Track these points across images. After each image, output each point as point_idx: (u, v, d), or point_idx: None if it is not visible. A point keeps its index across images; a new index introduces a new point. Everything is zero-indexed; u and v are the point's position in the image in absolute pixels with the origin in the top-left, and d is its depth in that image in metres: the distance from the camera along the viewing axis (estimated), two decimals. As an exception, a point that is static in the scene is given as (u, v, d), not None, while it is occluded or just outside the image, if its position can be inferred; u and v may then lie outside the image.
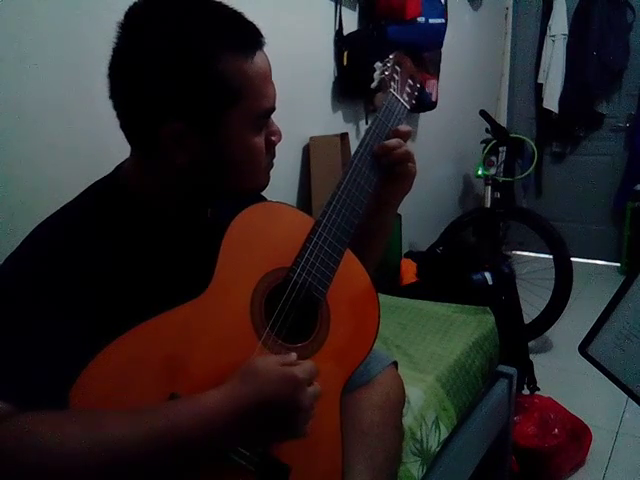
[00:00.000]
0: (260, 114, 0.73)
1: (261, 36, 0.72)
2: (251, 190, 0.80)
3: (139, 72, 0.68)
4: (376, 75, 0.96)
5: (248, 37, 0.71)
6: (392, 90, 0.94)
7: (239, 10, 0.73)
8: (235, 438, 0.63)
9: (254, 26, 0.72)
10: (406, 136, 0.91)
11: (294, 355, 0.69)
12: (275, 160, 0.83)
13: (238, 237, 0.75)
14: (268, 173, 0.81)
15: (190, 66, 0.67)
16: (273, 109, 0.75)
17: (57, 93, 1.21)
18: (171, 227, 0.77)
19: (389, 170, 0.90)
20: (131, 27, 0.68)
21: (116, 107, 0.72)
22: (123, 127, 0.73)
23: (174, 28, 0.67)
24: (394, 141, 0.88)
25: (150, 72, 0.67)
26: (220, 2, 0.71)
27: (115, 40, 0.69)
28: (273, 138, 0.78)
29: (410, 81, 0.99)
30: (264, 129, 0.76)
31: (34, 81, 1.17)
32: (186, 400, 0.61)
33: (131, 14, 0.68)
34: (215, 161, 0.73)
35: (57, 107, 1.22)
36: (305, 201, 2.09)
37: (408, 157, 0.89)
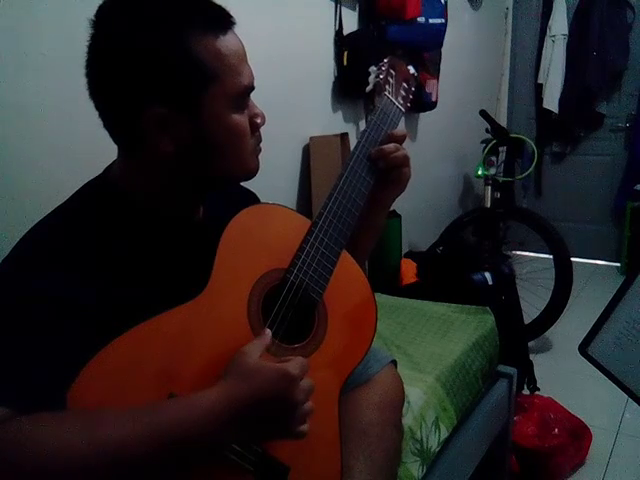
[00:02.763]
0: (239, 92, 0.73)
1: (230, 16, 0.73)
2: (241, 176, 0.80)
3: (113, 63, 0.68)
4: (371, 79, 0.97)
5: (217, 17, 0.71)
6: (387, 93, 0.95)
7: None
8: (232, 436, 0.63)
9: (222, 8, 0.73)
10: (401, 140, 0.92)
11: (268, 333, 0.69)
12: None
13: (235, 239, 0.75)
14: (256, 157, 0.80)
15: (161, 50, 0.67)
16: (252, 88, 0.75)
17: (57, 93, 1.21)
18: (164, 227, 0.77)
19: (385, 173, 0.91)
20: (101, 22, 0.69)
21: (97, 106, 0.72)
22: (106, 125, 0.74)
23: (142, 15, 0.68)
24: (391, 146, 0.89)
25: (123, 60, 0.67)
26: None
27: (88, 38, 0.69)
28: (257, 120, 0.78)
29: (405, 84, 1.01)
30: (246, 110, 0.76)
31: (34, 81, 1.17)
32: (182, 399, 0.61)
33: (101, 10, 0.69)
34: (200, 145, 0.72)
35: (57, 107, 1.22)
36: (305, 201, 2.09)
37: (404, 161, 0.91)
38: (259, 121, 0.79)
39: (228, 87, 0.71)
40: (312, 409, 0.66)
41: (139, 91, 0.69)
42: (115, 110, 0.72)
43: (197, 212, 0.83)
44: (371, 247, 0.99)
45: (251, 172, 0.80)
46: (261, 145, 0.81)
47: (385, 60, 0.99)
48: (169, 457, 0.58)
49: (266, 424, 0.63)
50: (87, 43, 0.69)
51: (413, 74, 1.03)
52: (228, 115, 0.73)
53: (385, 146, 0.89)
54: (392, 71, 0.98)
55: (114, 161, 0.79)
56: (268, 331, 0.70)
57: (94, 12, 0.69)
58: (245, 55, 0.74)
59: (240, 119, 0.74)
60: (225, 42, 0.70)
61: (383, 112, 0.93)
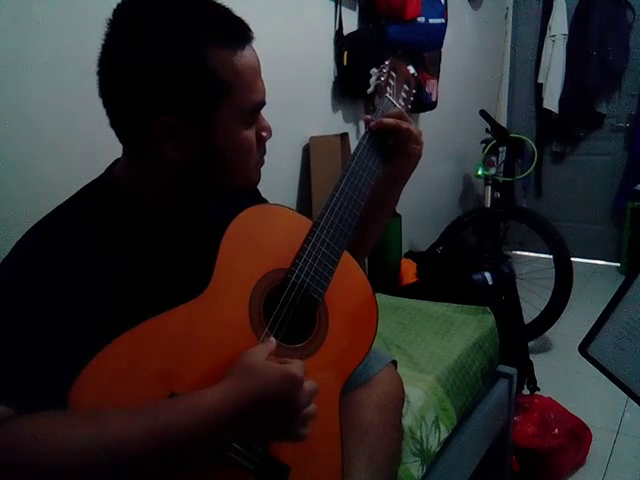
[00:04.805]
0: (251, 108, 0.73)
1: (249, 31, 0.73)
2: (242, 186, 0.80)
3: (128, 68, 0.68)
4: (372, 81, 0.98)
5: (236, 31, 0.71)
6: (388, 95, 0.96)
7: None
8: (233, 435, 0.63)
9: (242, 21, 0.73)
10: (397, 117, 0.92)
11: (273, 340, 0.70)
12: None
13: (236, 239, 0.75)
14: (259, 169, 0.81)
15: (178, 60, 0.67)
16: (263, 103, 0.76)
17: (57, 93, 1.21)
18: (166, 228, 0.77)
19: (395, 149, 0.92)
20: (119, 23, 0.69)
21: (106, 104, 0.72)
22: (113, 125, 0.73)
23: (161, 23, 0.67)
24: (391, 120, 0.91)
25: (139, 67, 0.67)
26: None
27: (104, 37, 0.69)
28: (264, 134, 0.79)
29: (406, 86, 1.02)
30: (255, 124, 0.76)
31: (34, 81, 1.17)
32: (186, 398, 0.61)
33: (119, 10, 0.69)
34: (206, 155, 0.73)
35: (57, 107, 1.22)
36: (305, 201, 2.09)
37: (408, 135, 0.91)
38: (265, 135, 0.79)
39: (241, 102, 0.71)
40: (315, 412, 0.67)
41: (152, 99, 0.69)
42: (124, 113, 0.72)
43: (198, 212, 0.83)
44: (382, 228, 1.01)
45: (252, 184, 0.82)
46: (264, 157, 0.81)
47: (386, 62, 1.00)
48: (170, 456, 0.58)
49: (268, 424, 0.64)
50: (102, 41, 0.69)
51: (413, 74, 1.04)
52: (237, 130, 0.73)
53: (384, 119, 0.91)
54: (393, 73, 0.99)
55: (115, 161, 0.79)
56: (272, 339, 0.70)
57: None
58: (260, 70, 0.75)
59: (248, 134, 0.75)
60: (242, 58, 0.70)
61: (383, 113, 0.93)
